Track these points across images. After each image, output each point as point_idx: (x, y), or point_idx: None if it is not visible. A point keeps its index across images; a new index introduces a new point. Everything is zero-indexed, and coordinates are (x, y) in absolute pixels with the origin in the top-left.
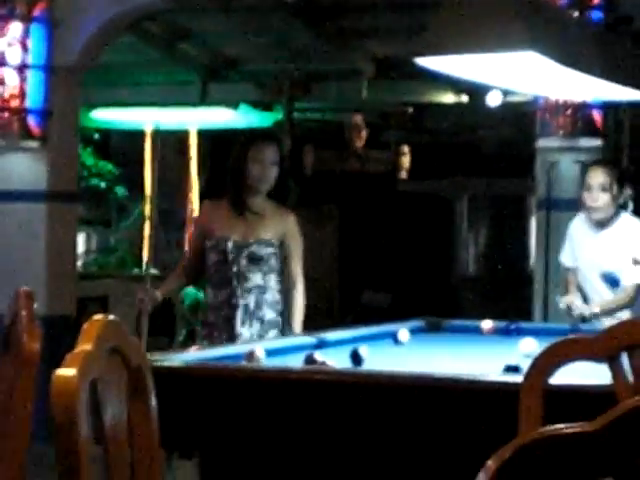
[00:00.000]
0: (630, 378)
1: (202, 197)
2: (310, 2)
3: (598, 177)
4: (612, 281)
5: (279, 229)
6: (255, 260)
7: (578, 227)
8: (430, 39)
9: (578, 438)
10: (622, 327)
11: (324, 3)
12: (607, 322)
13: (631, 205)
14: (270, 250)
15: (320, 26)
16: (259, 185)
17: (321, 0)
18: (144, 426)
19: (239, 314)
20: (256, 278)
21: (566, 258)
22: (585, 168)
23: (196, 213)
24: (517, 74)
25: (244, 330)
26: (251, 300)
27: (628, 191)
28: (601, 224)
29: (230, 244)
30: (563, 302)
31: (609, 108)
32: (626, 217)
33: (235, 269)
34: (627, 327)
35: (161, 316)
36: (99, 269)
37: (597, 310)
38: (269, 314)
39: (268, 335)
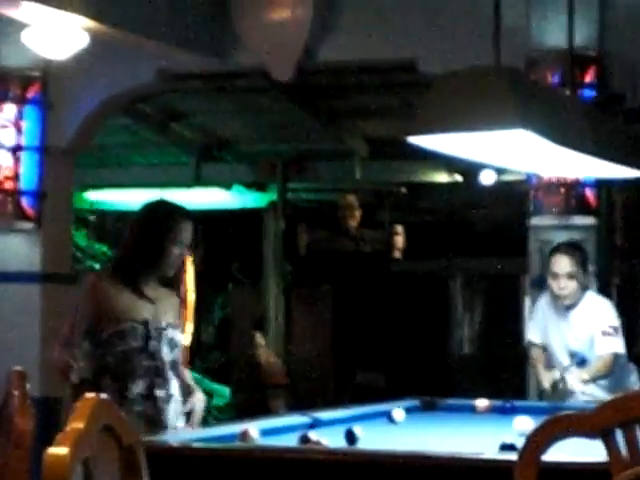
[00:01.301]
0: (625, 454)
1: (197, 277)
2: (303, 83)
3: (564, 265)
4: (580, 360)
5: (176, 314)
6: (172, 346)
7: (545, 307)
8: (422, 118)
9: None
10: (616, 403)
11: (317, 83)
12: (584, 398)
13: (595, 283)
14: (180, 335)
15: (313, 106)
16: (172, 269)
17: (313, 80)
18: None
19: (172, 407)
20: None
21: (534, 335)
22: (549, 253)
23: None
24: (509, 152)
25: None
26: (176, 391)
27: (591, 269)
28: (568, 306)
29: (150, 328)
30: (547, 381)
31: (602, 186)
32: (590, 296)
33: (156, 357)
34: (621, 403)
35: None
36: None
37: (586, 377)
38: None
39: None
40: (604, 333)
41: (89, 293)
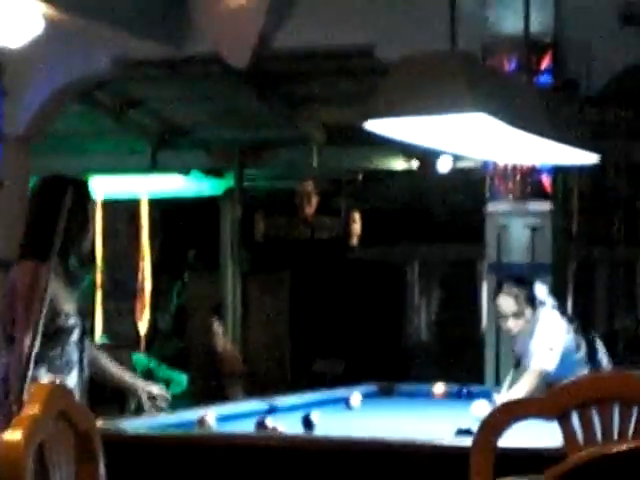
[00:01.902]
0: (580, 437)
1: (155, 266)
2: (259, 69)
3: (507, 307)
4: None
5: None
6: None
7: None
8: (378, 103)
9: None
10: (572, 386)
11: (273, 70)
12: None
13: (551, 300)
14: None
15: (269, 93)
16: (88, 245)
17: (270, 67)
18: None
19: None
20: None
21: None
22: (494, 293)
23: (147, 282)
24: (466, 137)
25: None
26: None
27: (543, 290)
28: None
29: (85, 323)
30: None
31: (558, 172)
32: (544, 314)
33: (83, 349)
34: (577, 386)
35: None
36: None
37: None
38: None
39: None
40: (549, 349)
41: (38, 286)
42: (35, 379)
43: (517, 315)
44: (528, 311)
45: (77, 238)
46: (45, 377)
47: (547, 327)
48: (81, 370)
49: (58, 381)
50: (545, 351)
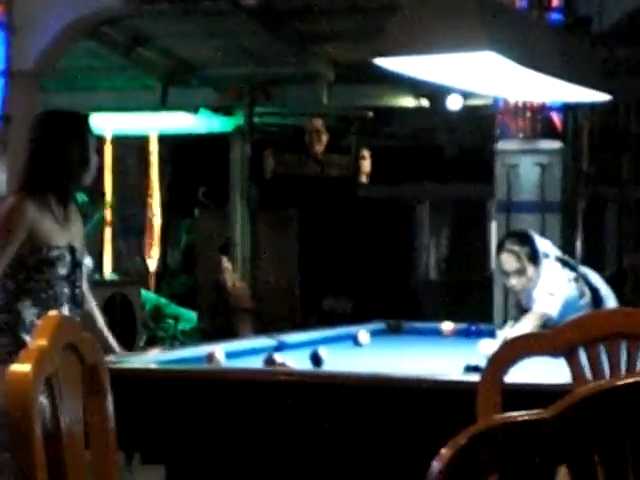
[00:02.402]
0: (588, 373)
1: (165, 203)
2: (269, 6)
3: (509, 263)
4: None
5: (82, 238)
6: (85, 274)
7: None
8: (388, 40)
9: (532, 425)
10: (579, 322)
11: (283, 7)
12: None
13: (554, 251)
14: (89, 261)
15: (279, 30)
16: (89, 179)
17: (280, 4)
18: (100, 425)
19: None
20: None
21: None
22: (496, 250)
23: (157, 220)
24: (476, 75)
25: None
26: None
27: (545, 243)
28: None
29: (72, 255)
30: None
31: (568, 110)
32: (545, 267)
33: (77, 284)
34: (584, 322)
35: (121, 321)
36: None
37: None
38: None
39: None
40: (550, 294)
41: (14, 216)
42: (18, 312)
43: (520, 272)
44: (530, 268)
45: (76, 172)
46: (30, 310)
47: (549, 277)
48: (75, 306)
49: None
50: (546, 296)
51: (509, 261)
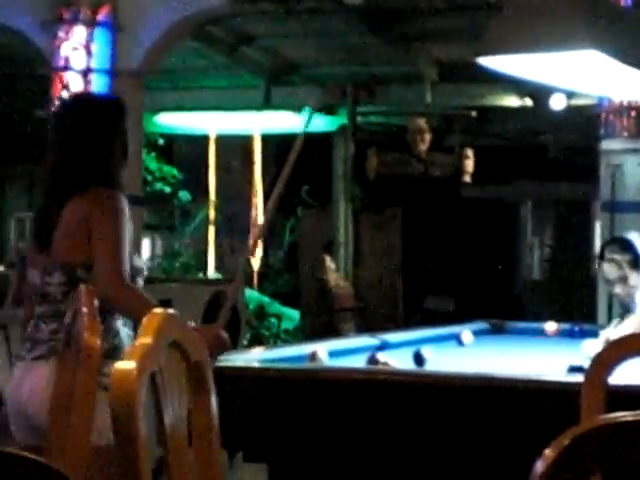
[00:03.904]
0: None
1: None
2: (373, 5)
3: (611, 272)
4: None
5: None
6: None
7: None
8: (491, 39)
9: (637, 426)
10: None
11: (387, 6)
12: None
13: None
14: None
15: (383, 29)
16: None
17: (384, 3)
18: (204, 423)
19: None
20: None
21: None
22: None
23: (260, 218)
24: (579, 74)
25: None
26: None
27: None
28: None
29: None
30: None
31: None
32: None
33: None
34: None
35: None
36: (163, 273)
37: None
38: None
39: None
40: None
41: (125, 215)
42: (117, 333)
43: (622, 280)
44: (633, 274)
45: (121, 166)
46: (123, 330)
47: None
48: None
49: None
50: None
51: (610, 270)
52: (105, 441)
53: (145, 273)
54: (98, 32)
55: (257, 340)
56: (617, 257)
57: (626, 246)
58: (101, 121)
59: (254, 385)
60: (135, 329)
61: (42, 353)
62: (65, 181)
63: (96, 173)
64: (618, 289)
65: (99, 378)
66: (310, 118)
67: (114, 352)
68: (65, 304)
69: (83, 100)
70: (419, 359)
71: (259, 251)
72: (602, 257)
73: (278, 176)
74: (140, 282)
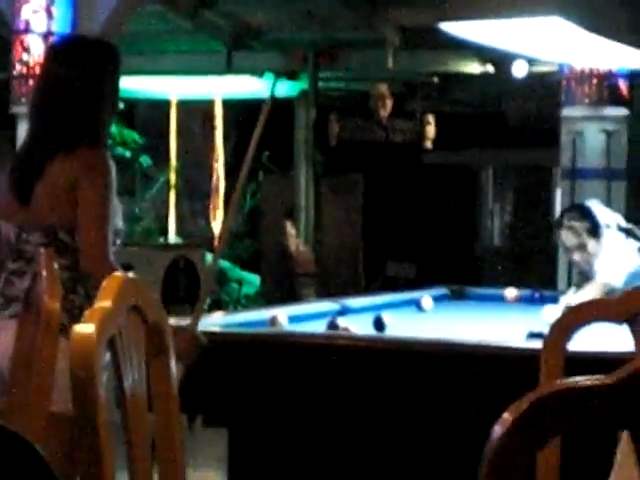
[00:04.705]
0: None
1: (229, 167)
2: None
3: (570, 240)
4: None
5: None
6: None
7: None
8: (454, 5)
9: (596, 390)
10: None
11: None
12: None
13: (617, 220)
14: None
15: None
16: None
17: None
18: (163, 386)
19: None
20: None
21: None
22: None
23: (221, 183)
24: (542, 41)
25: None
26: None
27: (606, 214)
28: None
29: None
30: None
31: (635, 77)
32: (608, 238)
33: None
34: None
35: (185, 285)
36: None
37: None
38: None
39: None
40: (605, 266)
41: (114, 184)
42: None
43: (581, 247)
44: (591, 242)
45: (109, 117)
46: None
47: (612, 249)
48: None
49: None
50: (610, 267)
51: (569, 237)
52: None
53: (123, 234)
54: None
55: (218, 305)
56: (576, 224)
57: (585, 213)
58: (93, 68)
59: (214, 350)
60: None
61: (17, 311)
62: (51, 135)
63: (85, 129)
64: (577, 256)
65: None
66: (275, 83)
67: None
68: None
69: (74, 44)
70: (379, 324)
71: (220, 215)
72: (561, 224)
73: (239, 141)
74: (118, 242)
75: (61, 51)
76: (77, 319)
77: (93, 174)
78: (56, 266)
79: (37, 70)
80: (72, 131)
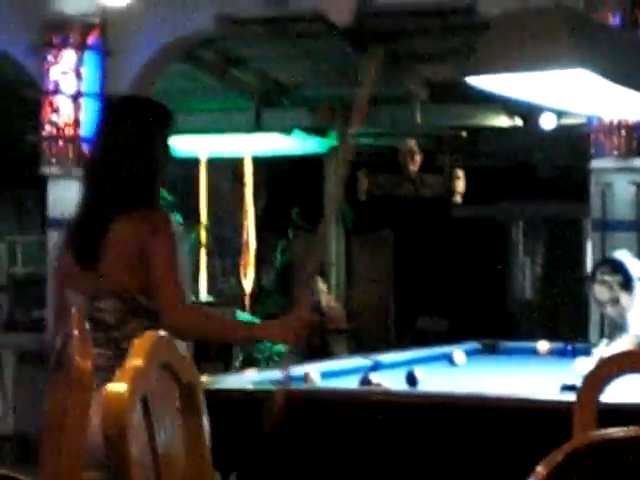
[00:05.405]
0: None
1: (259, 224)
2: (361, 27)
3: (602, 294)
4: None
5: None
6: None
7: None
8: (480, 59)
9: (630, 442)
10: None
11: (375, 27)
12: None
13: None
14: None
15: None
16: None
17: (372, 24)
18: (196, 445)
19: None
20: None
21: None
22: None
23: (252, 241)
24: (568, 93)
25: None
26: None
27: (638, 266)
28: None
29: None
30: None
31: None
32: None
33: None
34: None
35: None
36: None
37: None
38: None
39: None
40: (638, 318)
41: (175, 233)
42: None
43: (614, 301)
44: (624, 295)
45: (160, 178)
46: None
47: None
48: None
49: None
50: None
51: (602, 292)
52: None
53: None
54: (88, 56)
55: (250, 362)
56: (608, 279)
57: (617, 267)
58: (151, 129)
59: (247, 407)
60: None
61: (98, 383)
62: (111, 197)
63: (143, 190)
64: (610, 310)
65: None
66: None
67: None
68: (120, 331)
69: (128, 104)
70: (412, 379)
71: (251, 273)
72: (593, 279)
73: (269, 198)
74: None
75: (116, 111)
76: None
77: (161, 235)
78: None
79: (66, 131)
80: (131, 192)
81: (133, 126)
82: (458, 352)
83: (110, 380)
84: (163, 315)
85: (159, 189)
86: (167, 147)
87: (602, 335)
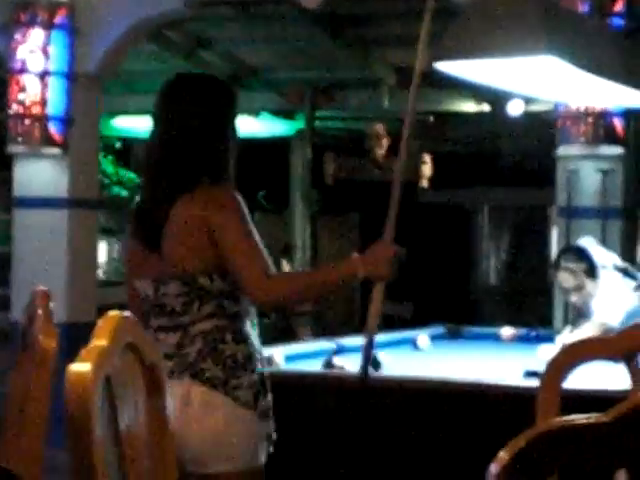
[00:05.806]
0: None
1: None
2: (331, 10)
3: (567, 281)
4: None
5: None
6: None
7: None
8: (449, 44)
9: (592, 429)
10: None
11: (345, 12)
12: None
13: (613, 260)
14: None
15: (341, 35)
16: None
17: (342, 8)
18: (159, 424)
19: None
20: None
21: None
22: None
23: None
24: (537, 80)
25: None
26: None
27: (602, 254)
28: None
29: None
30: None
31: (630, 116)
32: (604, 278)
33: None
34: None
35: None
36: (120, 277)
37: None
38: None
39: None
40: (602, 306)
41: (247, 213)
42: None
43: (578, 288)
44: (589, 283)
45: (231, 156)
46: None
47: (609, 289)
48: None
49: None
50: (607, 307)
51: (566, 279)
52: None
53: None
54: (55, 35)
55: None
56: (573, 266)
57: (581, 255)
58: (214, 105)
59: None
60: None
61: (171, 369)
62: (174, 177)
63: (203, 169)
64: (574, 297)
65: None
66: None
67: (249, 361)
68: (187, 316)
69: (192, 81)
70: (375, 363)
71: None
72: (558, 266)
73: (235, 180)
74: None
75: (177, 90)
76: (232, 369)
77: (224, 212)
78: (52, 305)
79: (33, 109)
80: (190, 172)
81: (202, 106)
82: (422, 336)
83: (177, 370)
84: (251, 293)
85: (226, 167)
86: (232, 125)
87: (566, 322)
